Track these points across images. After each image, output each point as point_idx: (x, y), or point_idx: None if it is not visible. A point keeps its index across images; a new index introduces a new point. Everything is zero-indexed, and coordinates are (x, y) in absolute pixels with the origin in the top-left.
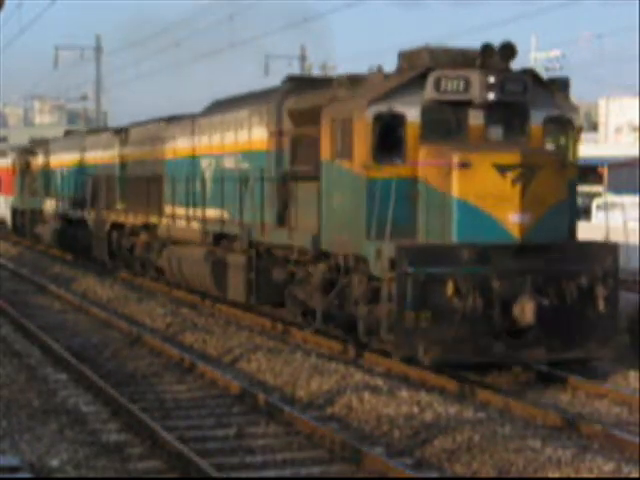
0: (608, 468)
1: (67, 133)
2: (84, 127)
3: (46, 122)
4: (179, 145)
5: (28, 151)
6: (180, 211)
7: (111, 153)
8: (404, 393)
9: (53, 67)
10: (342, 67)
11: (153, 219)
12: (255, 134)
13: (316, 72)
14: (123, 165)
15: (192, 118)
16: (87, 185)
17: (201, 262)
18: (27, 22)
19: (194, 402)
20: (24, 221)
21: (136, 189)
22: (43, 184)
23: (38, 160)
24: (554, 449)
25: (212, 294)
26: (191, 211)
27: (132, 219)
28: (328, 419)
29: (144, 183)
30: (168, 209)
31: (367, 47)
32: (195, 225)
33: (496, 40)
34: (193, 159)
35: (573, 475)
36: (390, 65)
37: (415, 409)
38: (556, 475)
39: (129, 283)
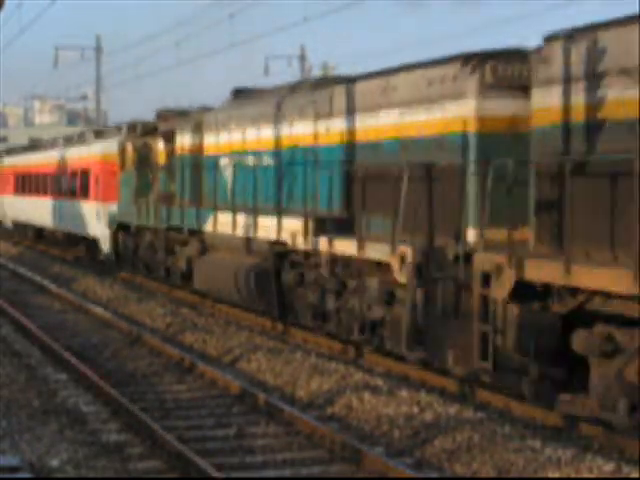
0: (608, 468)
1: (237, 93)
2: (84, 127)
3: (46, 122)
4: None
5: (148, 130)
6: None
7: (452, 111)
8: (404, 393)
9: (53, 67)
10: (342, 67)
11: None
12: None
13: (316, 72)
14: (508, 137)
15: None
16: (354, 188)
17: None
18: (27, 22)
19: (194, 402)
20: (146, 246)
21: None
22: (192, 185)
23: (174, 144)
24: (554, 449)
25: None
26: None
27: None
28: (328, 419)
29: None
30: None
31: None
32: None
33: (496, 40)
34: None
35: (573, 475)
36: (390, 64)
37: (415, 409)
38: (556, 475)
39: (129, 283)
